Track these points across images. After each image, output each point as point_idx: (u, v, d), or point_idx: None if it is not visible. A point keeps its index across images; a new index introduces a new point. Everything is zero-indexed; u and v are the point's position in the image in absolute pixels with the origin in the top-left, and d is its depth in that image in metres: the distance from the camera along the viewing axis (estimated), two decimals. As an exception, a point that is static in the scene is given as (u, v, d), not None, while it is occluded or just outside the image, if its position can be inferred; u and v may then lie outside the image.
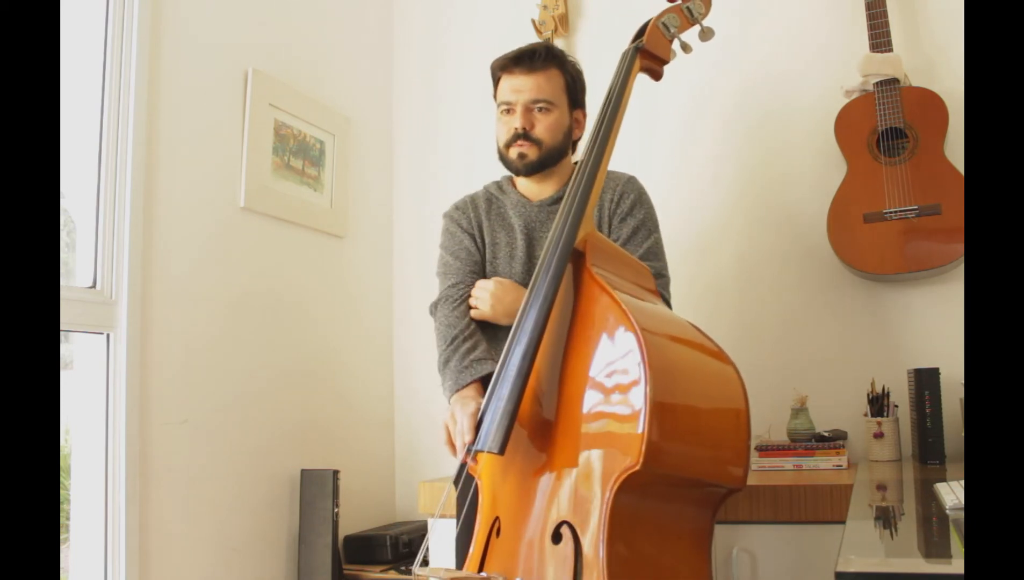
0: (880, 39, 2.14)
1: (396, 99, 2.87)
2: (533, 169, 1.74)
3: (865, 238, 2.10)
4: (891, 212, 2.07)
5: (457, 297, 1.74)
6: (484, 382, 1.59)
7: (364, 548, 2.27)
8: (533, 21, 2.57)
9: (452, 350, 1.67)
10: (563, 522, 1.28)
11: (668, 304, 1.72)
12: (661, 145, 2.49)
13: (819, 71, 2.32)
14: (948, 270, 2.09)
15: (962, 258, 2.02)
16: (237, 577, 2.05)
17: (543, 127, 1.71)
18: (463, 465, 1.52)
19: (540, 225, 1.76)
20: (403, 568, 2.21)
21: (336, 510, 2.16)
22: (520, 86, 1.71)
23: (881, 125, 2.13)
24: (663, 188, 2.45)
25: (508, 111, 1.73)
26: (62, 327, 1.69)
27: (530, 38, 2.53)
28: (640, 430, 1.20)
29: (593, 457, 1.27)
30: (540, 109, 1.71)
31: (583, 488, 1.27)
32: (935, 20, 2.23)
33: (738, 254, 2.37)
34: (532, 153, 1.72)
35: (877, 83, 2.14)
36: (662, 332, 1.32)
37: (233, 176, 2.15)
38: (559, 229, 1.46)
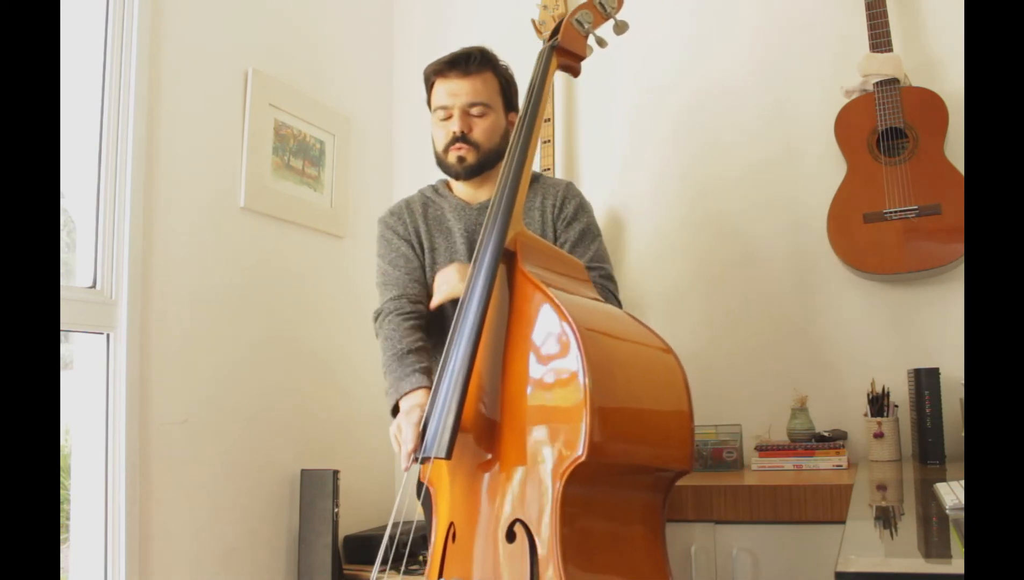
0: (880, 39, 2.15)
1: (396, 99, 2.87)
2: (472, 172, 1.75)
3: (865, 238, 2.10)
4: (891, 212, 2.07)
5: (401, 311, 1.71)
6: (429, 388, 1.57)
7: (364, 548, 2.27)
8: (533, 21, 2.57)
9: (396, 360, 1.64)
10: (516, 520, 1.29)
11: (618, 302, 1.73)
12: (656, 147, 2.49)
13: (819, 71, 2.32)
14: (948, 270, 2.09)
15: (962, 258, 2.02)
16: (237, 577, 2.05)
17: (480, 130, 1.72)
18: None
19: (479, 228, 1.72)
20: (403, 568, 2.21)
21: (336, 510, 2.16)
22: (456, 90, 1.71)
23: (881, 125, 2.13)
24: (660, 189, 2.46)
25: (445, 116, 1.73)
26: (62, 327, 1.69)
27: (530, 38, 2.53)
28: (582, 421, 1.21)
29: (539, 453, 1.28)
30: (477, 113, 1.72)
31: (532, 484, 1.28)
32: (935, 20, 2.23)
33: (738, 254, 2.37)
34: (471, 156, 1.73)
35: (877, 83, 2.14)
36: (598, 325, 1.34)
37: (233, 176, 2.15)
38: (488, 230, 1.46)
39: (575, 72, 1.76)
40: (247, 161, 2.17)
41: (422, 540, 2.31)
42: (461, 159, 1.73)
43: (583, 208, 1.80)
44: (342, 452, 2.44)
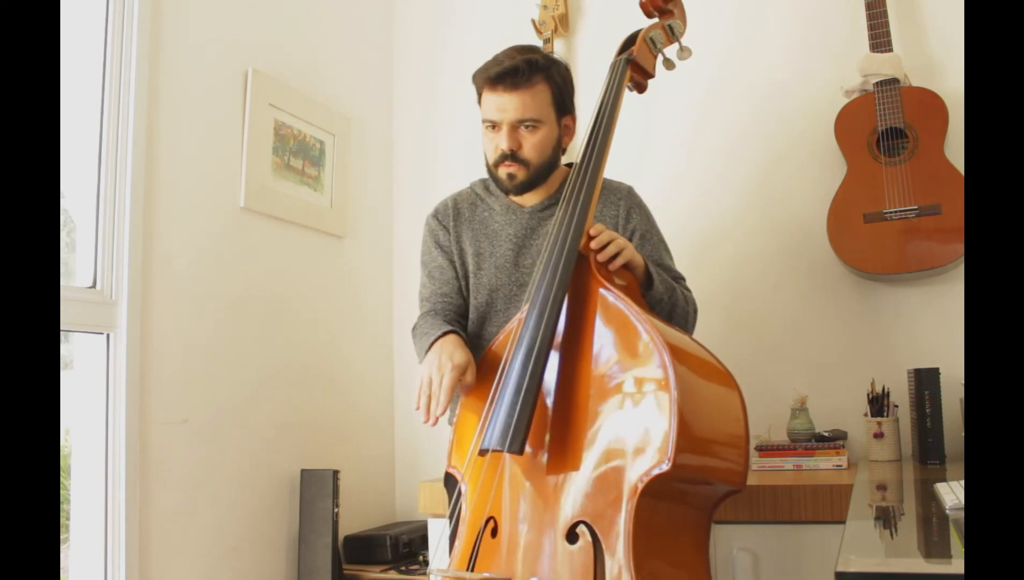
0: (880, 39, 2.14)
1: (396, 99, 2.87)
2: (523, 189, 1.70)
3: (865, 238, 2.10)
4: (891, 212, 2.07)
5: (428, 316, 1.72)
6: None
7: (364, 548, 2.27)
8: (533, 21, 2.57)
9: (428, 327, 1.64)
10: (579, 522, 1.29)
11: (694, 304, 1.74)
12: (660, 148, 2.49)
13: (819, 71, 2.32)
14: (948, 270, 2.09)
15: (962, 258, 2.02)
16: (237, 577, 2.05)
17: (530, 145, 1.65)
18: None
19: (531, 232, 1.73)
20: (403, 568, 2.21)
21: (336, 510, 2.16)
22: (504, 105, 1.62)
23: (881, 125, 2.13)
24: (663, 189, 2.46)
25: (493, 127, 1.66)
26: (62, 327, 1.69)
27: (530, 38, 2.53)
28: (669, 433, 1.23)
29: (615, 458, 1.29)
30: (526, 127, 1.64)
31: (603, 488, 1.28)
32: (935, 20, 2.23)
33: (738, 254, 2.37)
34: (521, 174, 1.66)
35: (877, 83, 2.14)
36: (678, 342, 1.36)
37: (233, 176, 2.15)
38: (562, 235, 1.47)
39: (642, 89, 1.75)
40: (247, 161, 2.17)
41: (421, 540, 2.32)
42: (511, 176, 1.66)
43: (648, 217, 1.78)
44: (342, 452, 2.44)
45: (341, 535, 2.25)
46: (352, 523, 2.38)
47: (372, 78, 2.79)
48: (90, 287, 1.80)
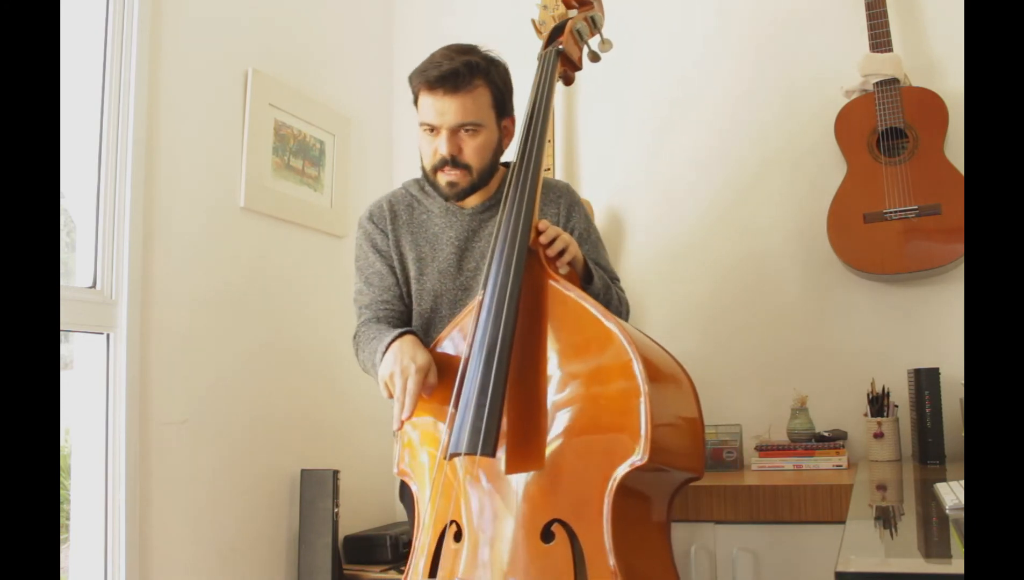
0: (880, 39, 2.15)
1: (396, 99, 2.87)
2: (464, 196, 1.65)
3: (865, 238, 2.10)
4: (891, 212, 2.07)
5: (371, 323, 1.68)
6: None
7: (364, 548, 2.27)
8: (533, 21, 2.56)
9: (376, 333, 1.60)
10: (554, 520, 1.27)
11: (627, 304, 1.74)
12: (658, 145, 2.49)
13: (819, 71, 2.32)
14: (948, 270, 2.09)
15: (962, 258, 2.02)
16: (237, 577, 2.05)
17: (471, 150, 1.59)
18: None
19: (473, 234, 1.68)
20: (403, 568, 2.20)
21: (336, 510, 2.16)
22: (443, 109, 1.56)
23: (881, 125, 2.13)
24: (663, 188, 2.46)
25: (432, 131, 1.60)
26: (62, 327, 1.69)
27: (530, 38, 2.53)
28: (643, 426, 1.23)
29: (588, 452, 1.28)
30: (467, 131, 1.58)
31: (578, 484, 1.27)
32: (935, 20, 2.23)
33: (738, 254, 2.37)
34: (463, 180, 1.61)
35: (877, 83, 2.14)
36: (635, 333, 1.37)
37: (233, 176, 2.15)
38: (511, 230, 1.44)
39: (569, 81, 1.75)
40: (247, 161, 2.17)
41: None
42: (452, 184, 1.61)
43: (586, 216, 1.77)
44: (342, 452, 2.44)
45: (341, 535, 2.25)
46: (352, 523, 2.38)
47: (372, 78, 2.79)
48: (90, 287, 1.80)
